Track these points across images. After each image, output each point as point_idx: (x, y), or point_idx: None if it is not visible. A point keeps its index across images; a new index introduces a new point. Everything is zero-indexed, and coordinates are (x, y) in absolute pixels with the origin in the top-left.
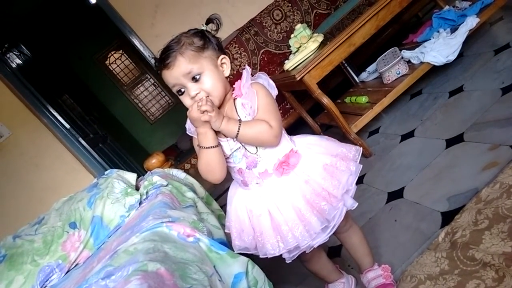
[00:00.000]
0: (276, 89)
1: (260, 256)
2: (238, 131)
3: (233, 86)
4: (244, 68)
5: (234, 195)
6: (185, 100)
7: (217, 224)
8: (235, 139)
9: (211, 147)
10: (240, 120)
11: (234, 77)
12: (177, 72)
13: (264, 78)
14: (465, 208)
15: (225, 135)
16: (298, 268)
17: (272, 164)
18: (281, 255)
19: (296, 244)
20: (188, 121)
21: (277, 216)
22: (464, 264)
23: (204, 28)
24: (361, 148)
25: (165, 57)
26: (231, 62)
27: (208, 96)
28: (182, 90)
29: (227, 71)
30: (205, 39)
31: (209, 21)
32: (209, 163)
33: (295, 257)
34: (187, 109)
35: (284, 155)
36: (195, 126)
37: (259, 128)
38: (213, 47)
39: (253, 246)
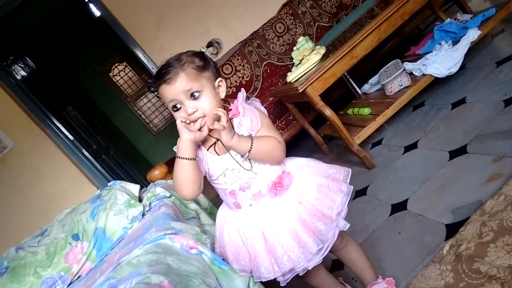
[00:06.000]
0: (267, 115)
1: (255, 280)
2: (251, 146)
3: (229, 107)
4: (240, 91)
5: (225, 221)
6: (180, 116)
7: None
8: (245, 155)
9: (188, 158)
10: (251, 135)
11: (237, 89)
12: (178, 88)
13: (257, 105)
14: (470, 221)
15: (227, 150)
16: (299, 282)
17: (265, 185)
18: (275, 278)
19: (291, 266)
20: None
21: (272, 238)
22: (469, 277)
23: (204, 50)
24: (350, 170)
25: (165, 72)
26: (233, 74)
27: (205, 116)
28: (178, 106)
29: (222, 94)
30: (205, 60)
31: (209, 44)
32: (181, 176)
33: (289, 280)
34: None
35: (277, 176)
36: (182, 132)
37: (271, 142)
38: (212, 69)
39: (251, 268)
